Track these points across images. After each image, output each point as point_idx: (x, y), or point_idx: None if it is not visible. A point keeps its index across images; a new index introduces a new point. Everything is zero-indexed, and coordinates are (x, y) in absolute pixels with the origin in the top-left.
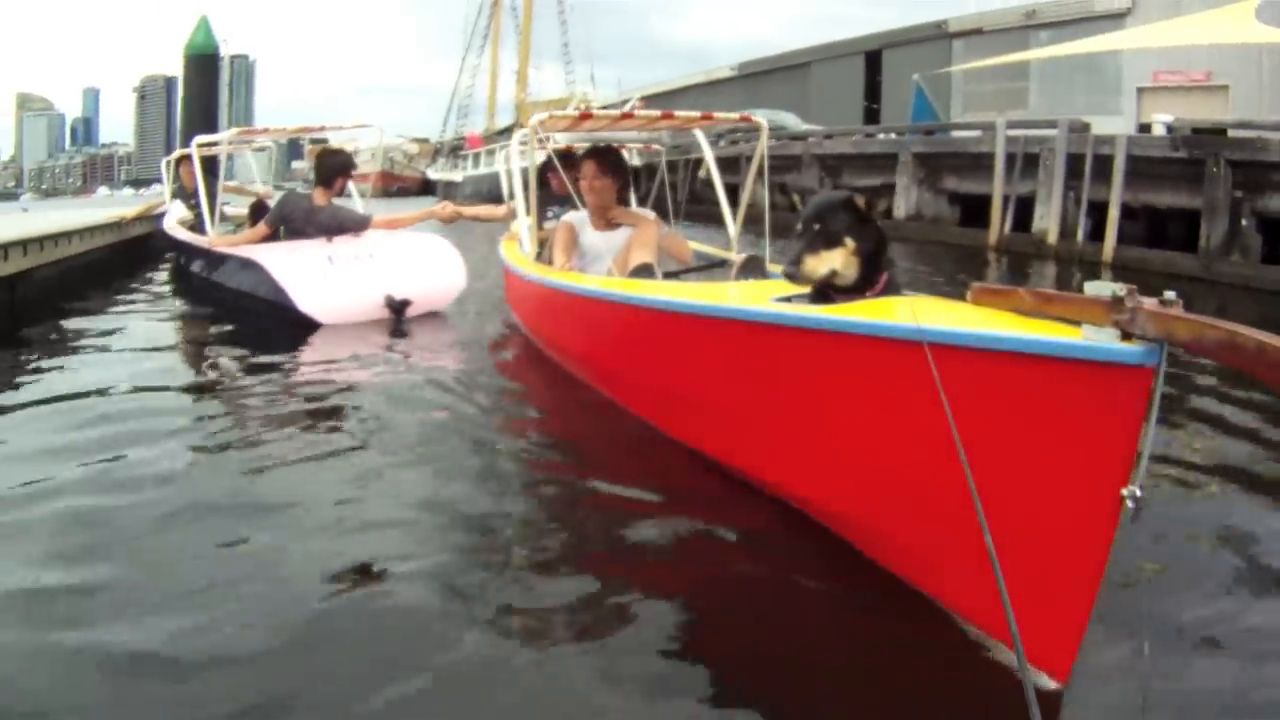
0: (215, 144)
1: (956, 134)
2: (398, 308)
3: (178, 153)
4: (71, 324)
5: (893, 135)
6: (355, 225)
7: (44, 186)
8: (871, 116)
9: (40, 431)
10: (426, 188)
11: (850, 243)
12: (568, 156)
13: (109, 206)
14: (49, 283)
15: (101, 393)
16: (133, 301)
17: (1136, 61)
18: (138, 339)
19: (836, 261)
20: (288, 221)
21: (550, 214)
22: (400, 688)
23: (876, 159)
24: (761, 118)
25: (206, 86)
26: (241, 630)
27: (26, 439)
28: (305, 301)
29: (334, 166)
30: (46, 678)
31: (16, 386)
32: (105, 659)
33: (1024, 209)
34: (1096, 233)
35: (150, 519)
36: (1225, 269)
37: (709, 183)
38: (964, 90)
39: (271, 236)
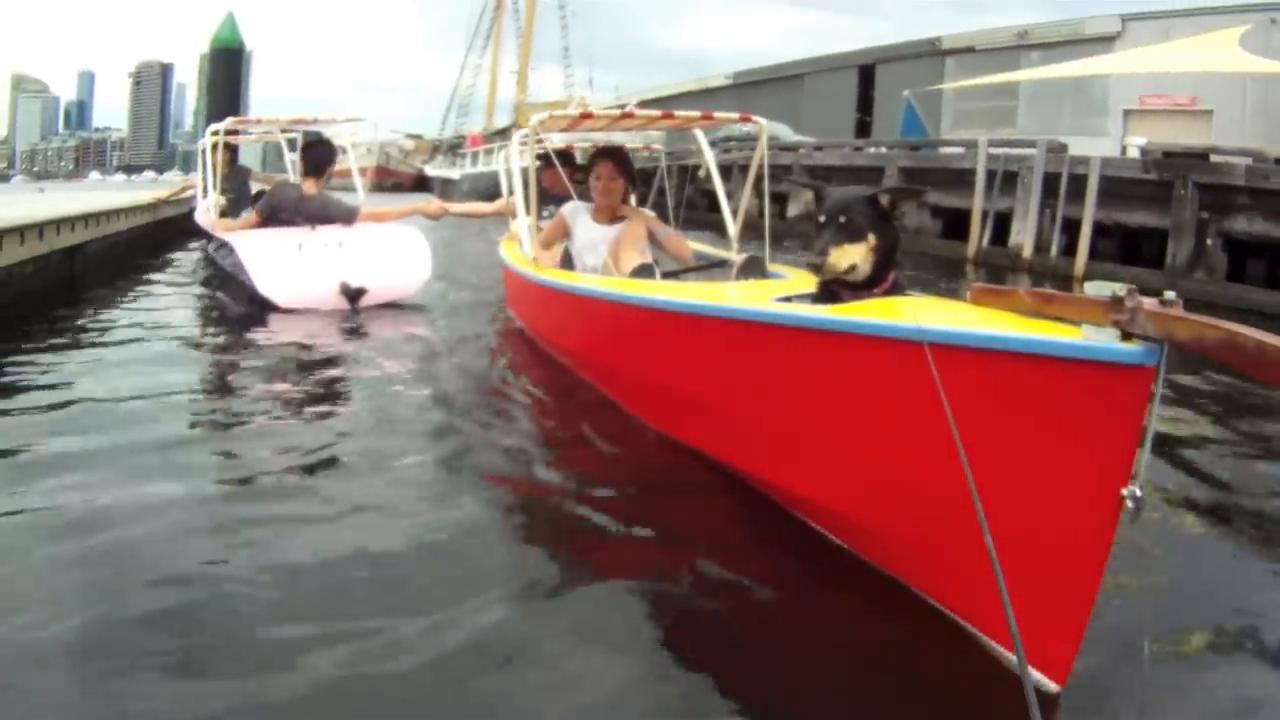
0: (216, 133)
1: (943, 150)
2: (352, 295)
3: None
4: (115, 293)
5: (881, 149)
6: (343, 216)
7: (35, 169)
8: (863, 129)
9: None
10: (421, 184)
11: (872, 239)
12: (566, 156)
13: (100, 190)
14: (98, 256)
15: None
16: (159, 278)
17: (1123, 84)
18: (160, 309)
19: (857, 256)
20: (277, 211)
21: (546, 213)
22: (393, 684)
23: (863, 172)
24: (760, 121)
25: (231, 79)
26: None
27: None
28: (264, 285)
29: (321, 156)
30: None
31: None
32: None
33: (1002, 224)
34: (1070, 248)
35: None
36: (1190, 286)
37: (703, 190)
38: (955, 107)
39: (265, 224)
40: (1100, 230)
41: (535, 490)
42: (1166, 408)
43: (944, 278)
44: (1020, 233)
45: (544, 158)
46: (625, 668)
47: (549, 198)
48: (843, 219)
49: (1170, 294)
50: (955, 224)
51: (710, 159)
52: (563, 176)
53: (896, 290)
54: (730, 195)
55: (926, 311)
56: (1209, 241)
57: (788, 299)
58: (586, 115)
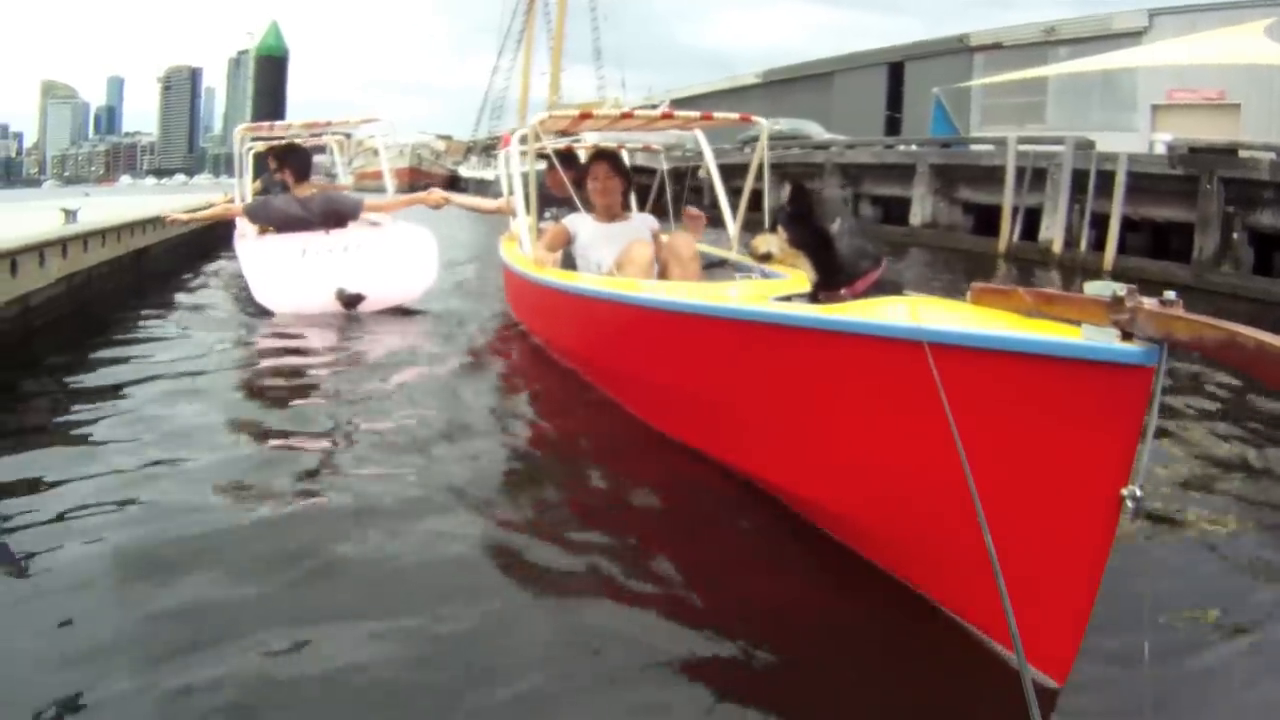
0: (251, 145)
1: (973, 147)
2: (349, 301)
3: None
4: (174, 294)
5: (912, 147)
6: (349, 208)
7: (66, 174)
8: (893, 126)
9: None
10: (454, 184)
11: (781, 231)
12: (567, 157)
13: (133, 195)
14: (159, 259)
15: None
16: (210, 287)
17: (1152, 79)
18: (214, 311)
19: (772, 245)
20: (277, 224)
21: (549, 214)
22: (380, 688)
23: (895, 169)
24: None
25: (276, 85)
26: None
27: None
28: (260, 292)
29: (304, 160)
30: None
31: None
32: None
33: (1032, 219)
34: (1099, 243)
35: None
36: (1216, 279)
37: (733, 189)
38: (983, 104)
39: (278, 231)
40: (1129, 225)
41: (532, 491)
42: (1167, 407)
43: (975, 273)
44: (1050, 228)
45: (547, 159)
46: (619, 665)
47: (552, 200)
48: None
49: (1170, 294)
50: (986, 220)
51: (710, 158)
52: (564, 179)
53: (885, 289)
54: (759, 193)
55: (926, 311)
56: (1235, 235)
57: (787, 299)
58: (586, 115)
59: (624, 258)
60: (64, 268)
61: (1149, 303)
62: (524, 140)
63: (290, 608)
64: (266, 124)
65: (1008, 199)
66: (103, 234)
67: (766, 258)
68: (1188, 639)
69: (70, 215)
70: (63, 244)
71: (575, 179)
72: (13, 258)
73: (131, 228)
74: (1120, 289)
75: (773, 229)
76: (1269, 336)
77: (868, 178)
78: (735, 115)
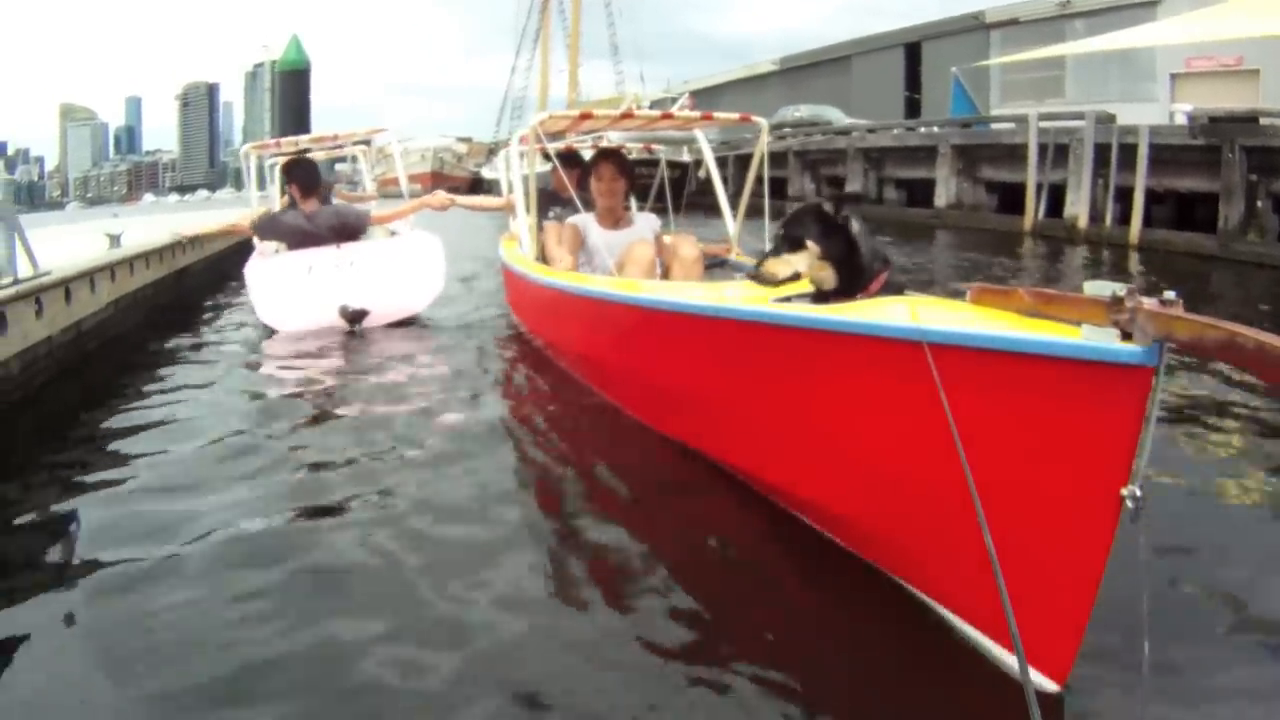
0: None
1: (994, 126)
2: (352, 317)
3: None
4: (208, 314)
5: (934, 129)
6: (358, 220)
7: (89, 195)
8: (913, 107)
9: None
10: (476, 186)
11: (814, 247)
12: (568, 157)
13: (159, 213)
14: (198, 276)
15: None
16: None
17: (1169, 48)
18: (243, 332)
19: (800, 264)
20: (287, 240)
21: (552, 214)
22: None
23: (917, 151)
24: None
25: (299, 100)
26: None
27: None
28: (264, 311)
29: (309, 174)
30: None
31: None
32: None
33: (1056, 196)
34: (1124, 217)
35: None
36: (1242, 248)
37: (759, 177)
38: (1002, 80)
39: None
40: (1153, 197)
41: (531, 494)
42: (1166, 407)
43: (1002, 252)
44: (1075, 204)
45: (549, 158)
46: (617, 665)
47: (556, 199)
48: (782, 231)
49: (1170, 294)
50: (1010, 198)
51: (709, 158)
52: (565, 180)
53: (889, 292)
54: (784, 181)
55: (926, 311)
56: (1259, 203)
57: (787, 299)
58: (585, 115)
59: (625, 258)
60: (113, 291)
61: (1149, 303)
62: (525, 140)
63: (305, 609)
64: (274, 141)
65: (1031, 176)
66: (146, 257)
67: (795, 279)
68: (1188, 639)
69: (114, 240)
70: (110, 269)
71: (578, 179)
72: (66, 285)
73: (173, 249)
74: (1120, 289)
75: (795, 248)
76: (1269, 337)
77: (890, 161)
78: (735, 115)
